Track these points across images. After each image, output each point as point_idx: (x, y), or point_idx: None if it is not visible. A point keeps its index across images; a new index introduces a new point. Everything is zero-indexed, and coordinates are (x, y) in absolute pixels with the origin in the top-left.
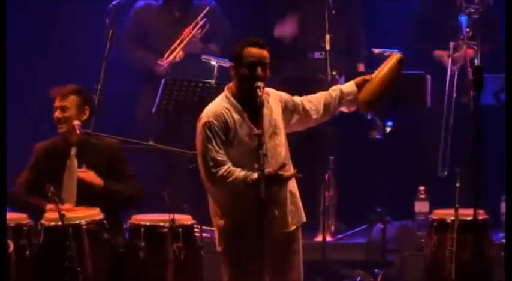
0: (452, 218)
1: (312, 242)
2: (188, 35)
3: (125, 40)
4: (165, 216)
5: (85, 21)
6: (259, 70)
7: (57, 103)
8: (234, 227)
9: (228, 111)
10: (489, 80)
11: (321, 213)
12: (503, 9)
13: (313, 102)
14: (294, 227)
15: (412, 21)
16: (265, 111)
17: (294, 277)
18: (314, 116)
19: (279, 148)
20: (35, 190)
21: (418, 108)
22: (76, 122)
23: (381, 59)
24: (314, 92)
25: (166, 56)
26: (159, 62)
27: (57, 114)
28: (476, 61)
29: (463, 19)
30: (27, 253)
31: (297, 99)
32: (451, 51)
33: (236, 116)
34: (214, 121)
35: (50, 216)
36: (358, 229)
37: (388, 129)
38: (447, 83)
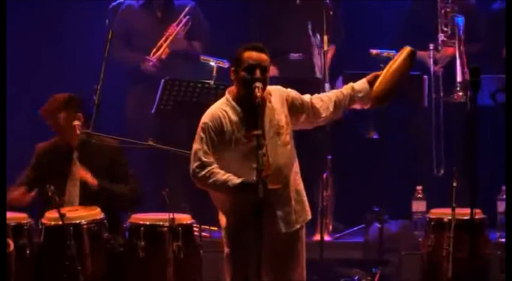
0: (449, 217)
1: (309, 241)
2: (173, 32)
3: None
4: (165, 215)
5: (85, 22)
6: (258, 73)
7: (48, 122)
8: (235, 227)
9: (225, 114)
10: (485, 81)
11: (319, 212)
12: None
13: (324, 100)
14: (298, 226)
15: (402, 22)
16: (267, 111)
17: (297, 278)
18: (323, 114)
19: (282, 148)
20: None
21: (415, 108)
22: (76, 122)
23: (379, 59)
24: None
25: (153, 52)
26: (147, 57)
27: (52, 128)
28: (458, 61)
29: (459, 20)
30: (28, 252)
31: (306, 97)
32: (431, 53)
33: (234, 118)
34: (210, 123)
35: (51, 215)
36: (355, 228)
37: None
38: (432, 83)
